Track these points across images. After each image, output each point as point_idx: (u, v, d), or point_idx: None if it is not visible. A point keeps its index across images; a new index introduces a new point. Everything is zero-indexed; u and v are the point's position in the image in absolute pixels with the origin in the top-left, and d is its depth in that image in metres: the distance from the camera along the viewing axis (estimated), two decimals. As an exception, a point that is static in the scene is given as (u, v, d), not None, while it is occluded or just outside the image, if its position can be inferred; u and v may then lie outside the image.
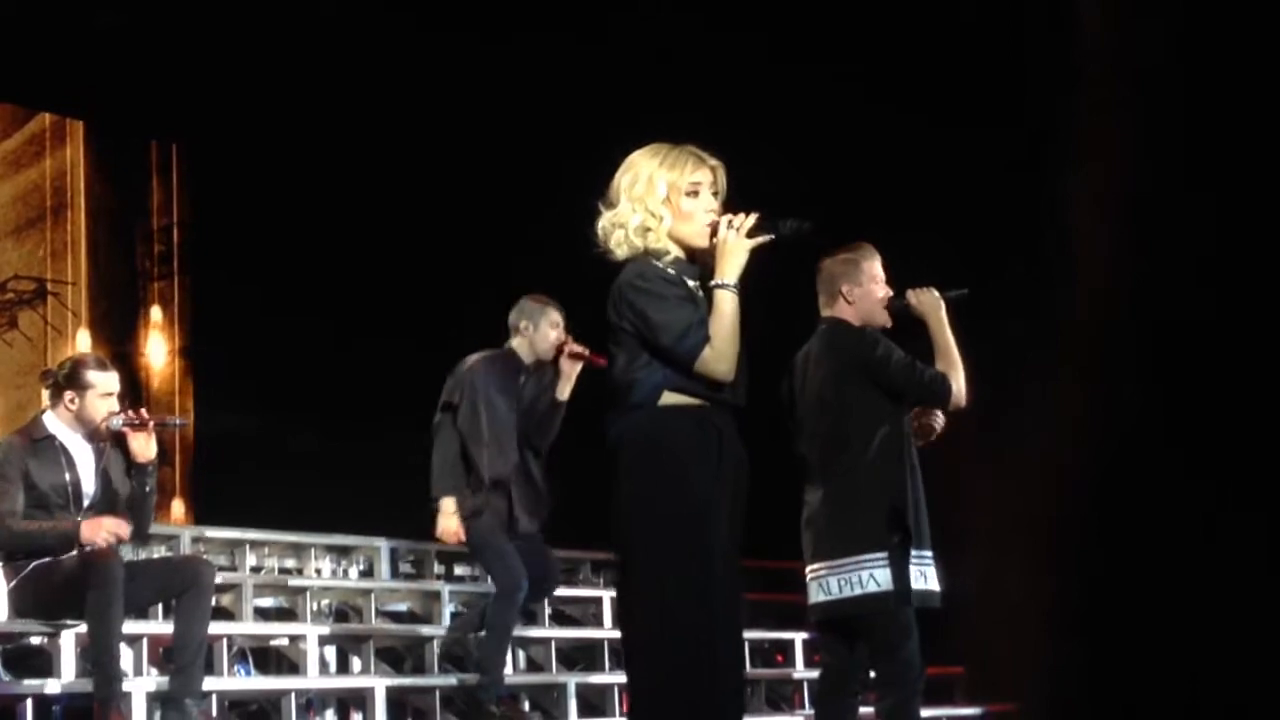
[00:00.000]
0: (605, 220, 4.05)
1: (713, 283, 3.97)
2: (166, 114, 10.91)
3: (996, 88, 9.10)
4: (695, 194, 4.01)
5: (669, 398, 3.91)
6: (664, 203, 3.99)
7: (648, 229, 3.99)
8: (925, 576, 5.16)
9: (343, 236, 10.46)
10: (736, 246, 3.95)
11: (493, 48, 10.14)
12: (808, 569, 5.25)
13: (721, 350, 3.89)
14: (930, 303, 5.34)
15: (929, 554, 5.20)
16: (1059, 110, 9.03)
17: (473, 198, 10.40)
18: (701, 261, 4.06)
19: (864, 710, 5.36)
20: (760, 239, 3.97)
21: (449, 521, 6.81)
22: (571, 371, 6.80)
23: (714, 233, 4.00)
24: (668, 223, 3.99)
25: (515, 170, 10.08)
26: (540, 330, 6.86)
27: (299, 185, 10.40)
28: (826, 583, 5.15)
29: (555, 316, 6.88)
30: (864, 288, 5.36)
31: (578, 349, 6.75)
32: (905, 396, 5.23)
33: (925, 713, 5.85)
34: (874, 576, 5.06)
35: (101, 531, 5.90)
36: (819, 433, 5.26)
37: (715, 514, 3.86)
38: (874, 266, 5.40)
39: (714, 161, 4.07)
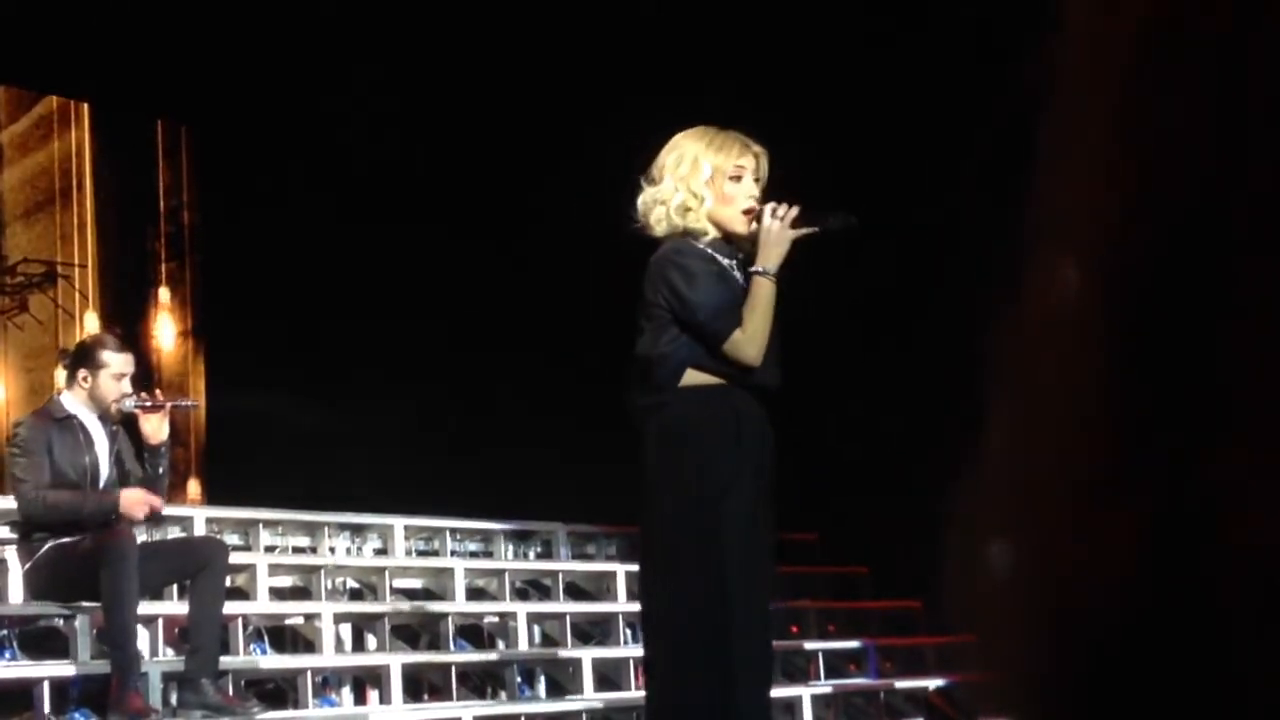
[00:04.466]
0: (646, 196, 4.09)
1: (753, 269, 4.02)
2: (173, 95, 10.90)
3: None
4: (738, 179, 4.06)
5: (692, 376, 3.97)
6: (707, 184, 4.03)
7: (688, 209, 4.03)
8: None
9: (352, 214, 10.45)
10: (780, 236, 4.01)
11: (507, 23, 10.10)
12: None
13: (752, 335, 3.96)
14: None
15: None
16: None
17: (481, 176, 10.38)
18: (737, 245, 4.11)
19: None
20: (804, 230, 4.03)
21: None
22: None
23: (752, 219, 4.05)
24: (708, 204, 4.04)
25: (526, 147, 10.06)
26: None
27: (307, 165, 10.39)
28: None
29: None
30: None
31: None
32: None
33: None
34: None
35: (143, 504, 5.93)
36: None
37: (734, 494, 3.92)
38: None
39: (758, 148, 4.12)
